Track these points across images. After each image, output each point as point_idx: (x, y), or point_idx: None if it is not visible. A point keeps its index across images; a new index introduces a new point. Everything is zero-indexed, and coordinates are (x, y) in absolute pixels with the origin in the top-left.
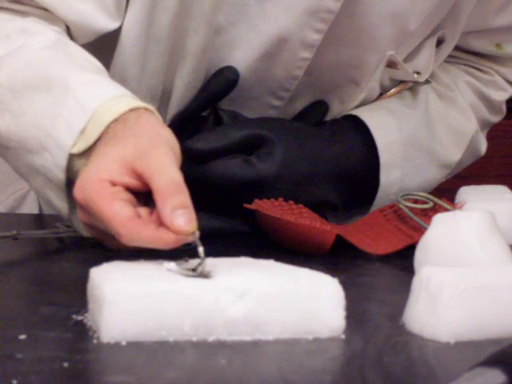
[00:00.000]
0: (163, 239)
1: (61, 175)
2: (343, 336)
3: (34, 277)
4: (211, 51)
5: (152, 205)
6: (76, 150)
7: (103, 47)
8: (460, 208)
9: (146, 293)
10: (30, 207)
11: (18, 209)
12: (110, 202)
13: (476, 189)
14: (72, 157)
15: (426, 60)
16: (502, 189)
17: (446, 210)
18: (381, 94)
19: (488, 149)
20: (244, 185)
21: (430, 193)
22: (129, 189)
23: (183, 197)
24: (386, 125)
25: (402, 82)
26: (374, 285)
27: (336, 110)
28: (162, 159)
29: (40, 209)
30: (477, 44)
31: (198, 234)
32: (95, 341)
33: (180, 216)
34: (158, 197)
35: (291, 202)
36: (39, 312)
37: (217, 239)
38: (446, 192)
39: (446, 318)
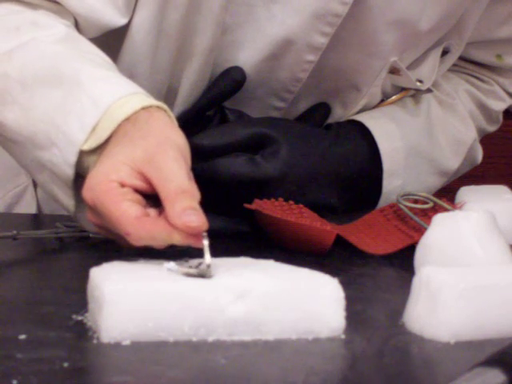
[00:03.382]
0: (172, 235)
1: (69, 171)
2: (343, 336)
3: (34, 277)
4: (217, 51)
5: (162, 207)
6: (87, 146)
7: (109, 44)
8: (460, 208)
9: (146, 293)
10: (29, 204)
11: (16, 205)
12: (117, 202)
13: (476, 189)
14: (81, 153)
15: (430, 69)
16: (502, 189)
17: (446, 209)
18: (382, 101)
19: (488, 149)
20: (247, 184)
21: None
22: (138, 191)
23: (192, 201)
24: (390, 132)
25: (403, 89)
26: (374, 285)
27: (338, 114)
28: (170, 165)
29: (38, 206)
30: (478, 54)
31: (207, 240)
32: (95, 341)
33: (190, 215)
34: (167, 202)
35: (291, 202)
36: (39, 312)
37: (217, 239)
38: (445, 192)
39: (446, 318)
